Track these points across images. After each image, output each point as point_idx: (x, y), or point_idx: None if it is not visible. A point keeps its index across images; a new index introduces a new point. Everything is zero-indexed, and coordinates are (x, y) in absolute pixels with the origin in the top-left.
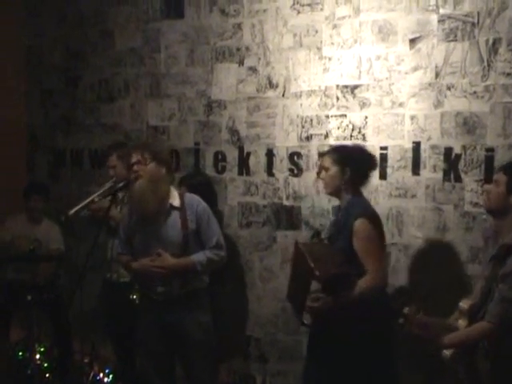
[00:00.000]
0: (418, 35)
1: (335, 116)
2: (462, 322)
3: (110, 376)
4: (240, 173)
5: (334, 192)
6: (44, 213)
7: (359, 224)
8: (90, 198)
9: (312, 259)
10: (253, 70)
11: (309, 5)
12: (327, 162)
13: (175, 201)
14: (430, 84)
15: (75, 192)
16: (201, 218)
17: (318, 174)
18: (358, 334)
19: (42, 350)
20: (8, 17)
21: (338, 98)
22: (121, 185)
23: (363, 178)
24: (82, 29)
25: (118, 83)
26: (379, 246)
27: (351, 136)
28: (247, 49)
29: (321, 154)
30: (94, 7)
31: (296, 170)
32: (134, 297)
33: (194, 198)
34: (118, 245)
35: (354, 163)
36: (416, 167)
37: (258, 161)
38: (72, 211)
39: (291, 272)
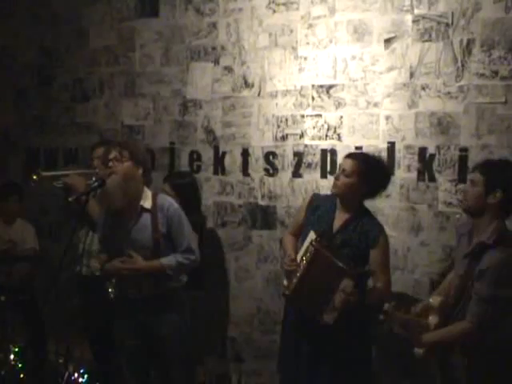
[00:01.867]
0: (392, 35)
1: (311, 116)
2: (432, 319)
3: (85, 376)
4: (215, 172)
5: (344, 197)
6: (18, 213)
7: (384, 239)
8: (66, 172)
9: (337, 259)
10: (228, 69)
11: (284, 4)
12: (350, 166)
13: (146, 202)
14: (404, 84)
15: (49, 192)
16: (172, 221)
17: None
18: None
19: (16, 350)
20: None
21: (313, 98)
22: (95, 184)
23: (374, 194)
24: (56, 28)
25: (93, 82)
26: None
27: (326, 136)
28: (222, 48)
29: (348, 155)
30: (67, 6)
31: (271, 169)
32: (110, 290)
33: (165, 200)
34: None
35: (374, 181)
36: (391, 167)
37: (233, 160)
38: (46, 173)
39: (303, 274)
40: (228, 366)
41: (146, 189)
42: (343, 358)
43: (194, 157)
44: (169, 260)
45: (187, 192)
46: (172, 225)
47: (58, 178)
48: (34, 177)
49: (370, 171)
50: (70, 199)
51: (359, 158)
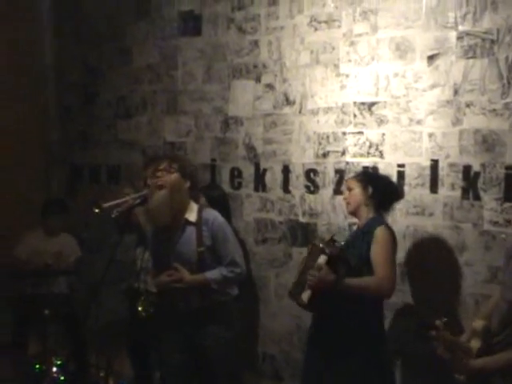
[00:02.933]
0: (436, 52)
1: (352, 133)
2: (474, 343)
3: None
4: (256, 189)
5: (355, 212)
6: (61, 228)
7: (379, 231)
8: (125, 199)
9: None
10: (270, 86)
11: (326, 22)
12: (352, 182)
13: (191, 216)
14: (448, 101)
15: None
16: (216, 235)
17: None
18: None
19: (58, 363)
20: (28, 36)
21: (355, 115)
22: (138, 201)
23: (387, 205)
24: (100, 46)
25: (136, 100)
26: (392, 257)
27: (368, 153)
28: (264, 66)
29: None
30: (112, 25)
31: (312, 186)
32: (140, 308)
33: (211, 214)
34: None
35: (377, 189)
36: (434, 185)
37: (274, 177)
38: (107, 204)
39: (299, 269)
40: (266, 383)
41: (192, 202)
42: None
43: (235, 173)
44: (213, 274)
45: (220, 204)
46: (217, 238)
47: (118, 206)
48: (96, 210)
49: (370, 178)
50: (112, 215)
51: (359, 173)
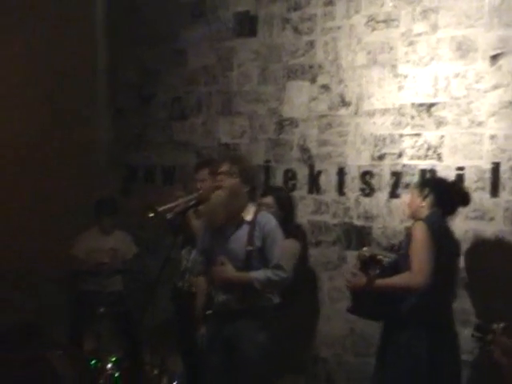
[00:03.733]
0: (499, 52)
1: (410, 135)
2: None
3: None
4: (310, 191)
5: (413, 216)
6: (114, 227)
7: (416, 226)
8: (177, 202)
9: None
10: (325, 87)
11: (384, 21)
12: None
13: (248, 216)
14: (511, 102)
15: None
16: (267, 236)
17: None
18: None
19: (113, 360)
20: (82, 37)
21: (412, 117)
22: (192, 203)
23: (450, 210)
24: (156, 47)
25: (191, 101)
26: (426, 251)
27: (426, 156)
28: (320, 66)
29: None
30: (167, 26)
31: (368, 189)
32: None
33: (265, 216)
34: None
35: (440, 196)
36: (495, 189)
37: (328, 179)
38: (161, 208)
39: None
40: None
41: (250, 204)
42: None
43: (289, 175)
44: (258, 273)
45: (287, 206)
46: (266, 240)
47: (171, 209)
48: (151, 214)
49: (426, 183)
50: (167, 217)
51: (422, 180)
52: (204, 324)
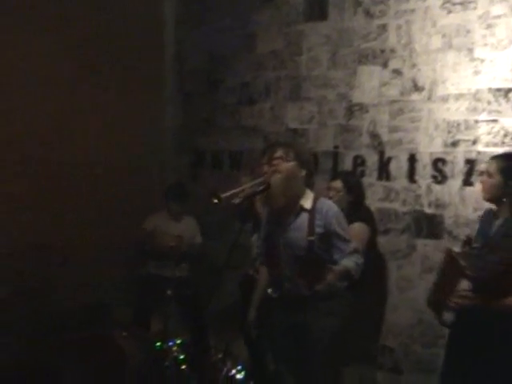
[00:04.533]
0: None
1: (486, 121)
2: None
3: (242, 373)
4: (380, 178)
5: (493, 200)
6: (183, 212)
7: None
8: (242, 187)
9: (463, 260)
10: (397, 72)
11: (461, 3)
12: (492, 168)
13: (306, 203)
14: None
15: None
16: (330, 224)
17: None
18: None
19: (179, 342)
20: (151, 23)
21: (489, 102)
22: (261, 188)
23: None
24: (224, 33)
25: (259, 86)
26: None
27: (503, 142)
28: (392, 50)
29: (491, 157)
30: (236, 11)
31: (440, 176)
32: (269, 290)
33: (325, 203)
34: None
35: None
36: None
37: (399, 166)
38: (225, 195)
39: (438, 277)
40: (385, 376)
41: (307, 190)
42: None
43: (358, 161)
44: (349, 262)
45: (356, 190)
46: (331, 228)
47: (235, 195)
48: (215, 200)
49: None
50: (235, 202)
51: (501, 157)
52: (258, 311)
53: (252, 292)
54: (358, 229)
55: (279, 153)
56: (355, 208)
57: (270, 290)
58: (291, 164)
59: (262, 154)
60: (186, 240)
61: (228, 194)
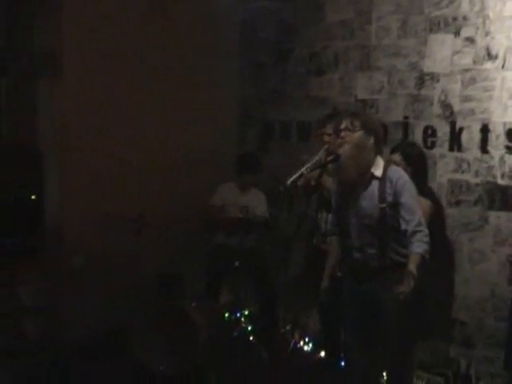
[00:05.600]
0: None
1: None
2: None
3: (310, 344)
4: (451, 149)
5: None
6: (253, 183)
7: None
8: (304, 168)
9: None
10: (470, 40)
11: None
12: None
13: (377, 171)
14: None
15: (282, 164)
16: (400, 193)
17: None
18: None
19: (246, 313)
20: None
21: None
22: (330, 158)
23: None
24: (294, 2)
25: (328, 56)
26: None
27: None
28: (464, 18)
29: None
30: None
31: None
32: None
33: (396, 171)
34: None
35: None
36: None
37: (471, 137)
38: (289, 181)
39: None
40: (456, 350)
41: (378, 158)
42: None
43: (429, 132)
44: (419, 246)
45: (417, 163)
46: (400, 197)
47: (300, 177)
48: (281, 188)
49: None
50: (300, 184)
51: None
52: (331, 281)
53: (320, 264)
54: (420, 205)
55: (345, 123)
56: (417, 181)
57: (338, 273)
58: (358, 133)
59: (322, 124)
60: (253, 211)
61: (292, 179)
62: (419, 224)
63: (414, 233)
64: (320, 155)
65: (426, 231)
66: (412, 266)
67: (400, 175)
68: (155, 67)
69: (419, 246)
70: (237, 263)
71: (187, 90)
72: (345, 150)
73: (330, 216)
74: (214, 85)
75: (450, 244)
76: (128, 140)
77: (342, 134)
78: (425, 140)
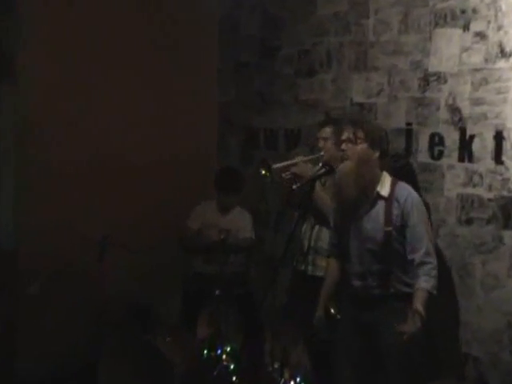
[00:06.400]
0: None
1: None
2: None
3: None
4: (461, 159)
5: None
6: (235, 202)
7: None
8: (295, 161)
9: None
10: (481, 35)
11: None
12: None
13: (383, 189)
14: None
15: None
16: (408, 214)
17: None
18: None
19: (229, 349)
20: None
21: None
22: (322, 171)
23: None
24: None
25: (320, 54)
26: None
27: None
28: (474, 11)
29: None
30: None
31: None
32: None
33: (405, 189)
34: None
35: None
36: None
37: (483, 145)
38: (276, 166)
39: None
40: None
41: (384, 174)
42: None
43: (436, 140)
44: (427, 280)
45: (401, 176)
46: (408, 219)
47: (286, 168)
48: (264, 171)
49: None
50: (293, 187)
51: None
52: (331, 307)
53: (304, 289)
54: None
55: (346, 134)
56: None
57: (332, 310)
58: (361, 147)
59: (318, 128)
60: (235, 233)
61: (280, 165)
62: (428, 254)
63: (422, 264)
64: (314, 156)
65: (435, 263)
66: (418, 304)
67: (409, 193)
68: (122, 65)
69: (427, 280)
70: (217, 292)
71: (156, 89)
72: (345, 166)
73: (329, 235)
74: (189, 86)
75: (459, 267)
76: (95, 147)
77: (343, 146)
78: (431, 149)
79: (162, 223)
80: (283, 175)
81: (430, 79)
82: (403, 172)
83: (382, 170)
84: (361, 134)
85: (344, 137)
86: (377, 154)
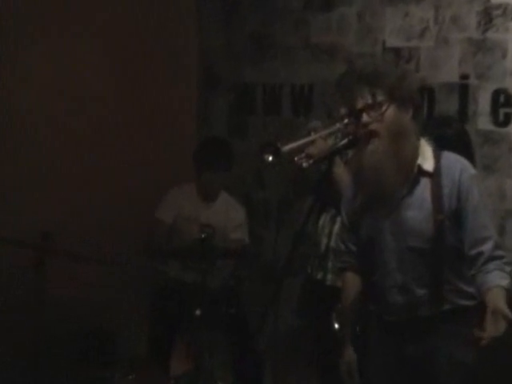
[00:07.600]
0: None
1: None
2: None
3: None
4: None
5: None
6: (223, 186)
7: None
8: (311, 138)
9: None
10: None
11: None
12: None
13: (426, 162)
14: None
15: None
16: (467, 194)
17: None
18: None
19: None
20: None
21: None
22: (342, 144)
23: None
24: None
25: None
26: None
27: None
28: None
29: None
30: None
31: None
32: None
33: (455, 160)
34: (340, 234)
35: None
36: None
37: None
38: (286, 147)
39: None
40: None
41: (422, 141)
42: None
43: (501, 99)
44: (500, 275)
45: (452, 148)
46: (467, 201)
47: (300, 148)
48: (270, 157)
49: None
50: (304, 165)
51: None
52: (353, 344)
53: (322, 306)
54: None
55: (362, 99)
56: None
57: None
58: (389, 112)
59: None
60: (223, 231)
61: (290, 146)
62: (497, 246)
63: (492, 259)
64: (335, 128)
65: (507, 257)
66: (499, 302)
67: (463, 166)
68: None
69: (503, 276)
70: (197, 311)
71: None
72: (375, 148)
73: (340, 238)
74: (162, 24)
75: None
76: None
77: (364, 118)
78: (494, 112)
79: (122, 219)
80: (296, 159)
81: (493, 13)
82: (455, 143)
83: (419, 138)
84: (381, 93)
85: (360, 105)
86: (410, 113)
